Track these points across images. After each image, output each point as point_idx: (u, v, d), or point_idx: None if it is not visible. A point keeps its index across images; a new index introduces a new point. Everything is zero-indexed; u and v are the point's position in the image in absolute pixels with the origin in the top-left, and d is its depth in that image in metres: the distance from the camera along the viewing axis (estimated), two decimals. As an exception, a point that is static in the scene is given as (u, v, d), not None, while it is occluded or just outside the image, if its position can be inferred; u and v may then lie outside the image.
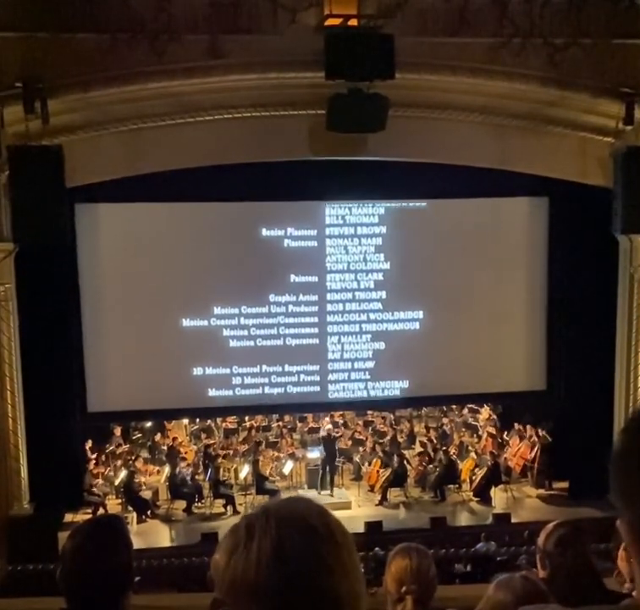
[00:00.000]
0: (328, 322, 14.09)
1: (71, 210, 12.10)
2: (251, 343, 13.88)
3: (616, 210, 12.14)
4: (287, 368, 14.03)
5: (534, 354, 14.54)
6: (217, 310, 13.71)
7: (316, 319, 14.05)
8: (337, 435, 14.92)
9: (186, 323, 13.61)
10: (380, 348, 14.26)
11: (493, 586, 2.98)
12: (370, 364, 14.29)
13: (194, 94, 11.58)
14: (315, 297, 13.99)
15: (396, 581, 3.36)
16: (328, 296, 14.04)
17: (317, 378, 14.18)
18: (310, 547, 1.30)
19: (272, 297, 13.85)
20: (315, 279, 13.91)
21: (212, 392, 13.86)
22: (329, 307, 14.06)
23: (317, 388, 14.20)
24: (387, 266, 14.07)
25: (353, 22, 11.11)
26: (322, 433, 14.81)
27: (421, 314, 14.21)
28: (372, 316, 14.20)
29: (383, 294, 14.14)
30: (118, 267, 13.36)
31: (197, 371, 13.77)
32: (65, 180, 10.93)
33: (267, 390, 14.02)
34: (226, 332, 13.78)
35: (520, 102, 12.32)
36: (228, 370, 13.87)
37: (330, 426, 15.17)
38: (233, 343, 13.83)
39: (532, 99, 12.29)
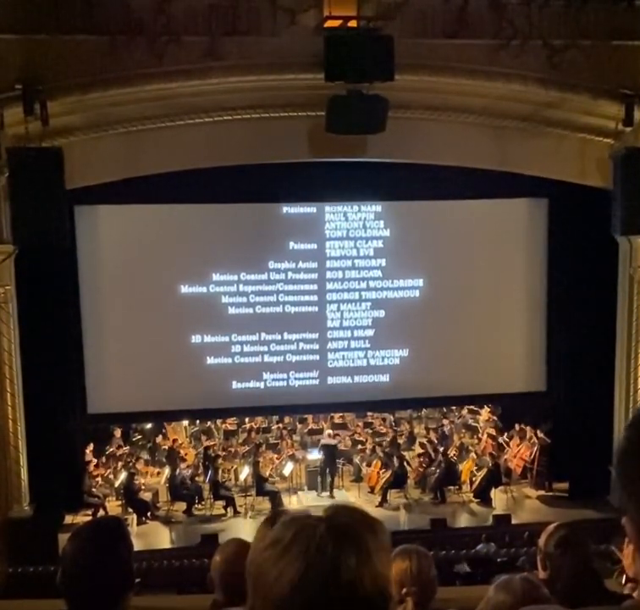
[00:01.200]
0: (327, 290, 14.00)
1: (71, 212, 12.09)
2: (250, 310, 13.80)
3: (616, 211, 12.15)
4: (286, 336, 13.94)
5: (534, 355, 14.54)
6: (215, 277, 13.63)
7: (315, 287, 13.96)
8: (336, 442, 14.87)
9: (185, 290, 13.64)
10: (380, 316, 14.17)
11: (493, 588, 2.97)
12: (369, 332, 14.19)
13: (193, 96, 11.58)
14: (314, 265, 13.92)
15: (397, 583, 3.36)
16: (328, 264, 13.97)
17: (317, 346, 14.07)
18: (356, 568, 1.30)
19: (271, 264, 13.80)
20: (314, 246, 13.86)
21: (210, 360, 13.75)
22: (329, 275, 13.99)
23: (317, 356, 14.09)
24: (386, 233, 14.06)
25: (352, 23, 11.11)
26: (324, 440, 14.78)
27: (421, 282, 14.16)
28: (371, 284, 14.14)
29: (383, 262, 14.10)
30: (117, 268, 13.36)
31: (196, 339, 13.69)
32: (65, 181, 10.93)
33: (266, 358, 13.93)
34: (225, 299, 13.71)
35: (519, 103, 12.33)
36: (226, 338, 13.78)
37: (330, 431, 15.17)
38: (231, 310, 13.76)
39: (531, 100, 12.29)
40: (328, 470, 14.37)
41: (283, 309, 13.92)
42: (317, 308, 14.04)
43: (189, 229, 13.53)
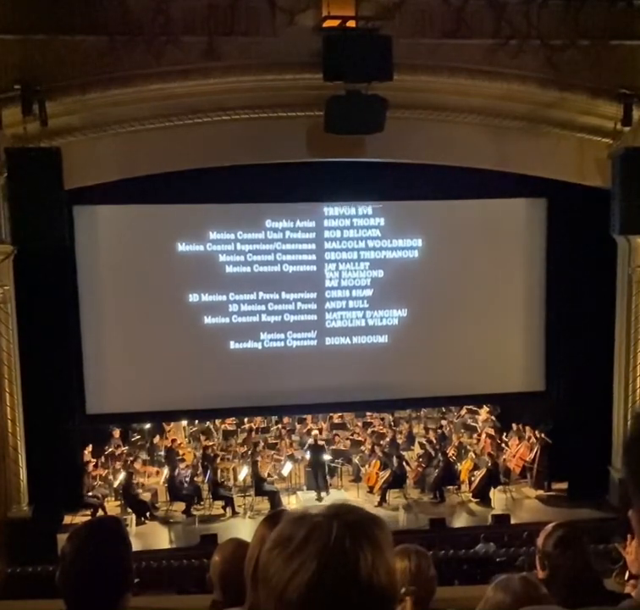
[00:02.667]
0: (325, 249, 13.94)
1: (69, 212, 12.09)
2: (248, 269, 13.74)
3: (614, 211, 12.15)
4: (284, 295, 13.88)
5: (533, 355, 14.54)
6: (212, 235, 13.58)
7: (313, 246, 13.89)
8: (322, 442, 14.85)
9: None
10: (378, 276, 14.11)
11: (491, 587, 2.98)
12: (368, 292, 14.12)
13: (192, 96, 11.58)
14: (312, 224, 13.87)
15: (395, 582, 3.36)
16: (326, 223, 13.91)
17: (315, 306, 14.00)
18: (372, 562, 1.33)
19: (268, 223, 13.76)
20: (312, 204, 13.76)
21: (208, 320, 13.69)
22: (327, 234, 13.92)
23: (315, 316, 14.02)
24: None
25: (351, 23, 11.11)
26: (310, 441, 14.76)
27: (420, 242, 14.12)
28: (370, 244, 14.08)
29: (382, 221, 14.06)
30: (116, 268, 13.36)
31: (193, 298, 13.64)
32: (63, 181, 10.92)
33: (263, 318, 13.86)
34: (222, 258, 13.67)
35: (518, 103, 12.33)
36: (224, 297, 13.74)
37: (316, 432, 15.16)
38: (229, 269, 13.71)
39: (530, 100, 12.30)
40: (316, 471, 14.34)
41: (280, 268, 13.83)
42: (315, 268, 13.94)
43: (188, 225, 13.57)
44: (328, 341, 14.15)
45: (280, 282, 13.81)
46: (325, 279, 13.99)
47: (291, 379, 14.04)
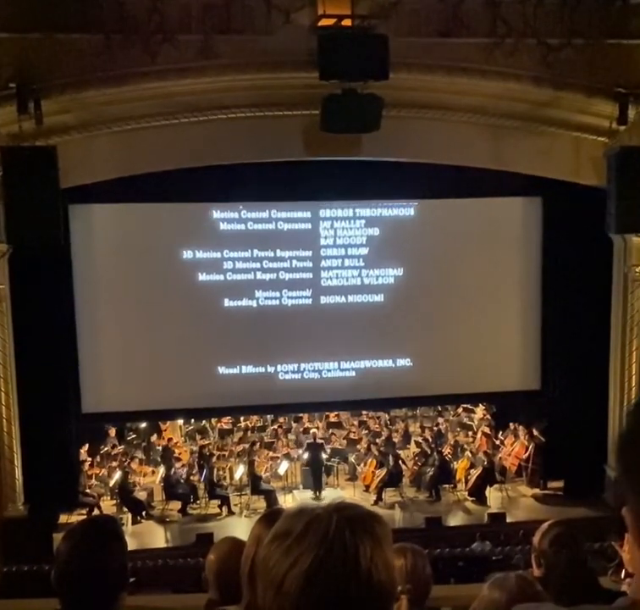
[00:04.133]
0: (320, 206, 13.91)
1: (65, 211, 12.05)
2: (242, 227, 13.68)
3: (610, 210, 12.15)
4: (279, 253, 13.80)
5: (528, 354, 14.55)
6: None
7: (308, 203, 13.86)
8: (321, 440, 14.84)
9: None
10: (374, 234, 14.04)
11: (487, 585, 2.98)
12: (363, 251, 14.06)
13: (187, 94, 11.57)
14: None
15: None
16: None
17: (310, 264, 13.91)
18: (371, 556, 1.34)
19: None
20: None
21: (202, 277, 13.63)
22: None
23: (310, 275, 13.91)
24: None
25: (347, 22, 11.11)
26: (309, 439, 14.74)
27: (416, 203, 14.08)
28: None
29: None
30: (112, 267, 13.35)
31: (187, 254, 13.59)
32: (59, 180, 10.91)
33: (258, 275, 13.77)
34: (216, 215, 13.63)
35: (513, 102, 12.33)
36: (218, 254, 13.71)
37: (315, 430, 15.15)
38: (223, 226, 13.65)
39: (525, 99, 12.30)
40: (315, 470, 14.34)
41: (275, 226, 13.77)
42: (310, 226, 13.88)
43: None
44: (324, 299, 14.03)
45: (275, 239, 13.71)
46: (320, 237, 13.88)
47: (286, 338, 13.90)
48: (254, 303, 13.83)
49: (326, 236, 13.86)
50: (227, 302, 13.73)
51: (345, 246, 13.97)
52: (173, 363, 13.60)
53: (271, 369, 14.06)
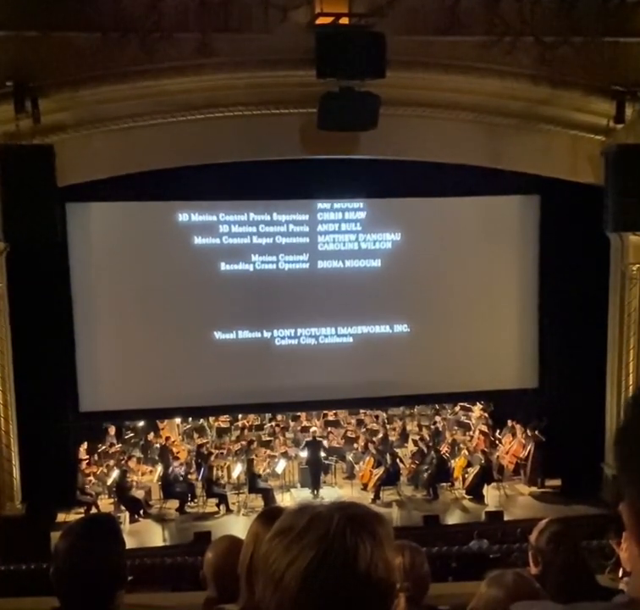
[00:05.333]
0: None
1: (62, 209, 12.06)
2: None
3: (607, 208, 12.15)
4: (275, 217, 13.75)
5: (526, 352, 14.56)
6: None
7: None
8: (321, 439, 14.83)
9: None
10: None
11: (485, 583, 2.99)
12: (361, 215, 14.00)
13: (185, 93, 11.56)
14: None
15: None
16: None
17: (307, 228, 13.86)
18: (371, 554, 1.34)
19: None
20: None
21: (197, 240, 13.58)
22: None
23: (307, 239, 13.85)
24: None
25: (344, 20, 11.09)
26: (309, 438, 14.73)
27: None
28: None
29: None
30: (109, 266, 13.34)
31: (182, 217, 13.53)
32: (56, 178, 10.90)
33: (255, 239, 13.71)
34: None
35: (511, 100, 12.33)
36: (214, 218, 13.64)
37: (315, 429, 15.15)
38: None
39: (523, 97, 12.30)
40: (314, 468, 14.34)
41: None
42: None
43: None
44: (321, 264, 13.98)
45: (271, 203, 13.66)
46: (317, 202, 13.86)
47: (283, 303, 13.82)
48: (250, 267, 13.77)
49: (323, 202, 13.81)
50: (223, 266, 13.68)
51: (342, 210, 13.94)
52: (171, 356, 13.55)
53: (267, 335, 13.97)
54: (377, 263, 14.06)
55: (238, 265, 13.69)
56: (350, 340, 14.17)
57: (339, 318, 14.05)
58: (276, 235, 13.74)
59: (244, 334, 13.89)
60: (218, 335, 13.80)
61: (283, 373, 13.92)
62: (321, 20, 11.06)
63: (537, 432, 14.47)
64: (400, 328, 14.23)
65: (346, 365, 14.04)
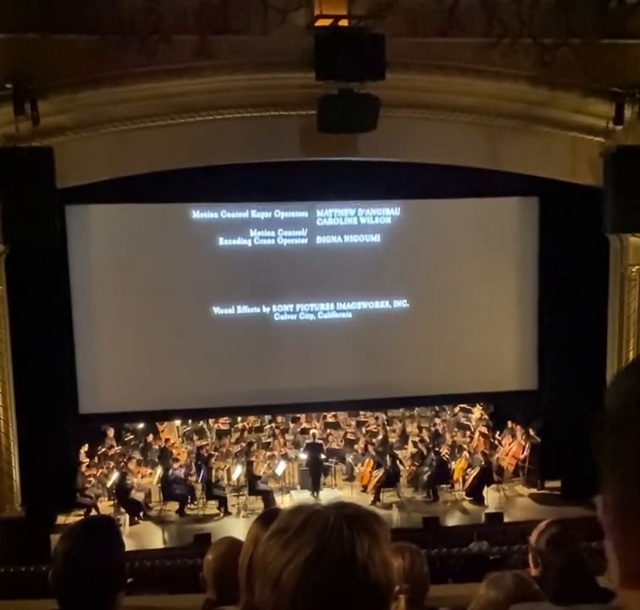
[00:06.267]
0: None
1: (62, 211, 12.07)
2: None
3: (607, 209, 12.16)
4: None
5: (525, 354, 14.56)
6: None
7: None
8: (320, 441, 14.83)
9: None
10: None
11: (484, 585, 2.99)
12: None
13: (184, 95, 11.56)
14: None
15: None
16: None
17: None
18: (368, 551, 1.33)
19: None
20: None
21: (195, 215, 13.56)
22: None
23: (305, 213, 13.84)
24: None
25: (343, 22, 11.09)
26: (309, 440, 14.72)
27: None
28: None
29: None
30: (109, 268, 13.34)
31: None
32: (56, 181, 10.90)
33: (253, 214, 13.69)
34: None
35: (510, 102, 12.34)
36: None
37: (315, 431, 15.14)
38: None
39: (522, 99, 12.30)
40: (314, 470, 14.33)
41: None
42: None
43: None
44: (319, 239, 13.97)
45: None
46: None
47: (281, 279, 13.78)
48: (249, 242, 13.74)
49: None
50: (221, 241, 13.66)
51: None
52: (170, 346, 13.53)
53: (266, 310, 13.94)
54: (376, 238, 14.04)
55: (236, 240, 13.68)
56: (349, 315, 14.13)
57: (338, 293, 14.00)
58: (275, 209, 13.76)
59: (243, 309, 13.83)
60: (217, 310, 13.76)
61: (282, 348, 13.87)
62: (320, 22, 11.06)
63: (536, 434, 14.47)
64: (400, 303, 14.20)
65: (346, 341, 13.96)
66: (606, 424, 0.83)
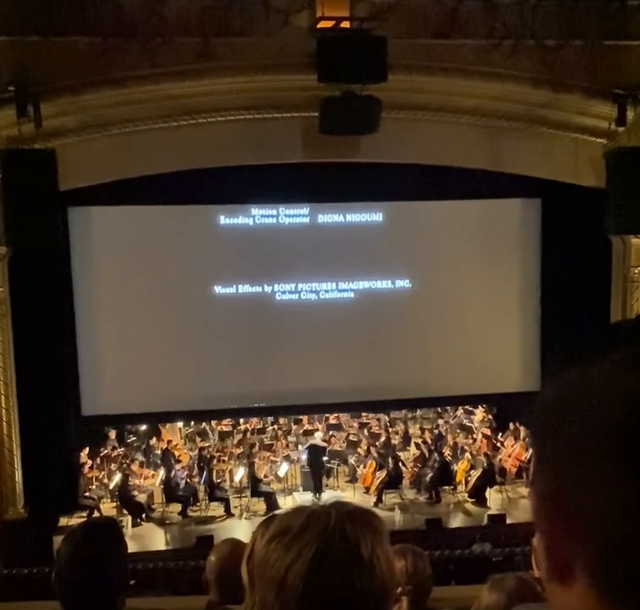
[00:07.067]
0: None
1: (64, 213, 12.09)
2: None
3: (609, 211, 12.15)
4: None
5: (528, 355, 14.56)
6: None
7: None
8: (323, 442, 14.82)
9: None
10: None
11: (487, 587, 2.98)
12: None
13: (186, 97, 11.57)
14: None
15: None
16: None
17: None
18: (372, 547, 1.33)
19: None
20: None
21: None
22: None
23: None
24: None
25: (345, 24, 11.10)
26: (312, 441, 14.71)
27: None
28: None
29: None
30: (111, 270, 13.36)
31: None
32: (58, 183, 10.91)
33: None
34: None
35: (512, 103, 12.35)
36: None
37: (321, 433, 15.13)
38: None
39: (524, 101, 12.31)
40: (315, 472, 14.32)
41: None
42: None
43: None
44: (321, 218, 13.95)
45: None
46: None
47: (283, 257, 13.72)
48: (250, 221, 13.74)
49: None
50: (222, 220, 13.66)
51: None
52: (173, 359, 13.52)
53: (268, 289, 13.91)
54: (378, 217, 14.02)
55: (237, 219, 13.68)
56: (351, 295, 14.09)
57: (340, 273, 13.95)
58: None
59: (244, 288, 13.81)
60: (218, 289, 13.75)
61: (284, 328, 13.82)
62: (322, 24, 11.07)
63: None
64: (402, 283, 14.18)
65: (347, 323, 13.91)
66: (543, 412, 0.80)
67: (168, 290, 13.55)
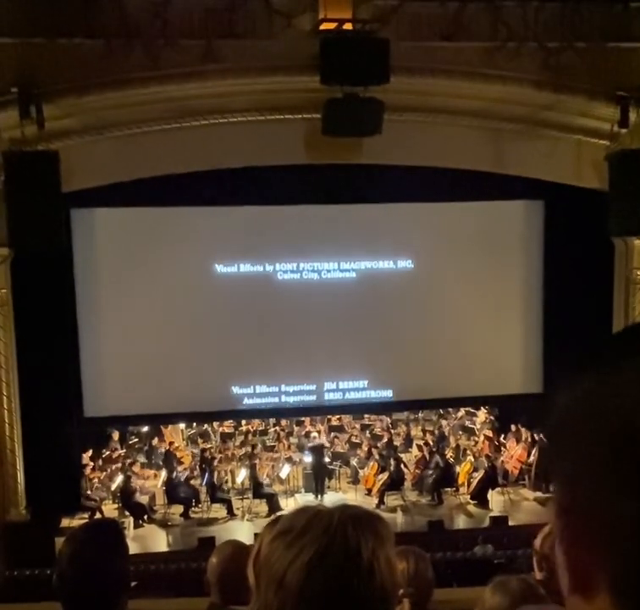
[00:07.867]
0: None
1: (67, 215, 12.08)
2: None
3: (612, 213, 12.15)
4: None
5: (530, 357, 14.55)
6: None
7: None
8: (326, 445, 14.82)
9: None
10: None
11: (489, 589, 2.98)
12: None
13: (189, 99, 11.58)
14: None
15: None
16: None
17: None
18: (373, 550, 1.33)
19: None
20: None
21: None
22: None
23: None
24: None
25: (348, 26, 11.11)
26: (311, 442, 14.71)
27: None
28: None
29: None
30: (114, 271, 13.36)
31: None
32: (61, 184, 10.93)
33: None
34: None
35: (515, 105, 12.35)
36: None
37: (316, 434, 15.12)
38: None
39: (527, 103, 12.31)
40: (318, 473, 14.32)
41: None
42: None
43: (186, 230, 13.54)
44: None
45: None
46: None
47: (285, 236, 13.65)
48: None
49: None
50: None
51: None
52: (175, 360, 13.50)
53: (269, 268, 13.85)
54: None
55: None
56: (353, 275, 14.05)
57: (342, 252, 13.90)
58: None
59: (245, 267, 13.77)
60: (220, 268, 13.72)
61: (285, 307, 13.76)
62: (325, 26, 11.08)
63: (541, 437, 14.44)
64: (404, 263, 14.17)
65: (349, 301, 13.86)
66: (558, 422, 0.79)
67: (171, 292, 13.55)
